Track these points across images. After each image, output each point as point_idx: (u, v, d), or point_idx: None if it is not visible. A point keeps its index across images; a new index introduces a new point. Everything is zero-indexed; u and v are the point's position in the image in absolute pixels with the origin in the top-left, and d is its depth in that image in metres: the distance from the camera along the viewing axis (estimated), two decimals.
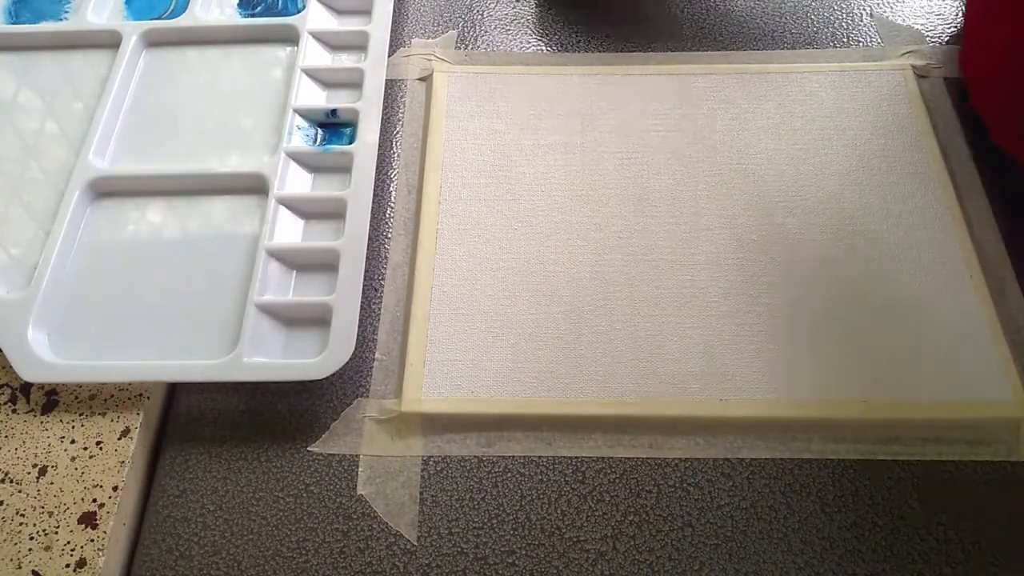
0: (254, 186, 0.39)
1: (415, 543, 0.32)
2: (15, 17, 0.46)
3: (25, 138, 0.42)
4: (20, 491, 0.32)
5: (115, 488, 0.32)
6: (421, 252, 0.38)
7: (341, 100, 0.43)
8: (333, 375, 0.34)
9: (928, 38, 0.45)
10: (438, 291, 0.37)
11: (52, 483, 0.32)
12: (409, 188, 0.41)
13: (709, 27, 0.46)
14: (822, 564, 0.31)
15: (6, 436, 0.34)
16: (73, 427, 0.34)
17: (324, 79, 0.44)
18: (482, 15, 0.47)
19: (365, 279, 0.36)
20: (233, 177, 0.39)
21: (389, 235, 0.39)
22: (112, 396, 0.35)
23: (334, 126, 0.42)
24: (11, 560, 0.31)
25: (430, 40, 0.46)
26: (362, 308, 0.36)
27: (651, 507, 0.32)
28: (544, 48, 0.46)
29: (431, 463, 0.33)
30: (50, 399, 0.35)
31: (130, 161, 0.41)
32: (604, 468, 0.33)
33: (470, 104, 0.43)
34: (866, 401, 0.33)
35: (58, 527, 0.31)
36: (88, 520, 0.32)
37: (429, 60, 0.45)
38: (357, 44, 0.45)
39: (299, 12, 0.45)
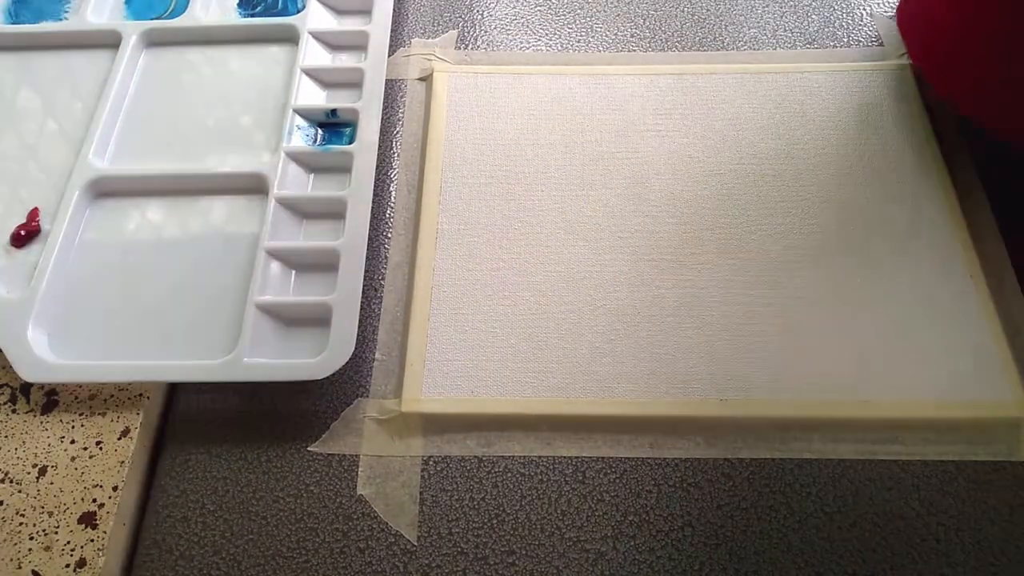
0: (254, 186, 0.39)
1: (415, 543, 0.32)
2: (15, 17, 0.46)
3: (25, 138, 0.42)
4: (20, 491, 0.32)
5: (115, 488, 0.32)
6: (421, 252, 0.38)
7: (341, 100, 0.43)
8: (333, 375, 0.34)
9: None
10: (438, 291, 0.37)
11: (52, 483, 0.32)
12: (409, 188, 0.41)
13: (709, 27, 0.46)
14: (822, 564, 0.31)
15: (6, 436, 0.34)
16: (73, 427, 0.34)
17: (324, 79, 0.44)
18: (482, 15, 0.47)
19: (365, 279, 0.36)
20: (233, 177, 0.39)
21: (389, 235, 0.39)
22: (112, 396, 0.35)
23: (334, 126, 0.42)
24: (11, 560, 0.31)
25: (430, 40, 0.46)
26: (362, 308, 0.36)
27: (651, 507, 0.32)
28: (544, 48, 0.46)
29: (431, 463, 0.33)
30: (50, 399, 0.35)
31: (130, 161, 0.41)
32: (604, 468, 0.33)
33: (470, 104, 0.43)
34: (866, 401, 0.33)
35: (58, 527, 0.31)
36: (88, 520, 0.32)
37: (429, 60, 0.45)
38: (357, 44, 0.45)
39: (299, 12, 0.45)
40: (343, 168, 0.40)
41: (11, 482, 0.32)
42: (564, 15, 0.47)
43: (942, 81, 0.40)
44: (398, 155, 0.42)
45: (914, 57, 0.42)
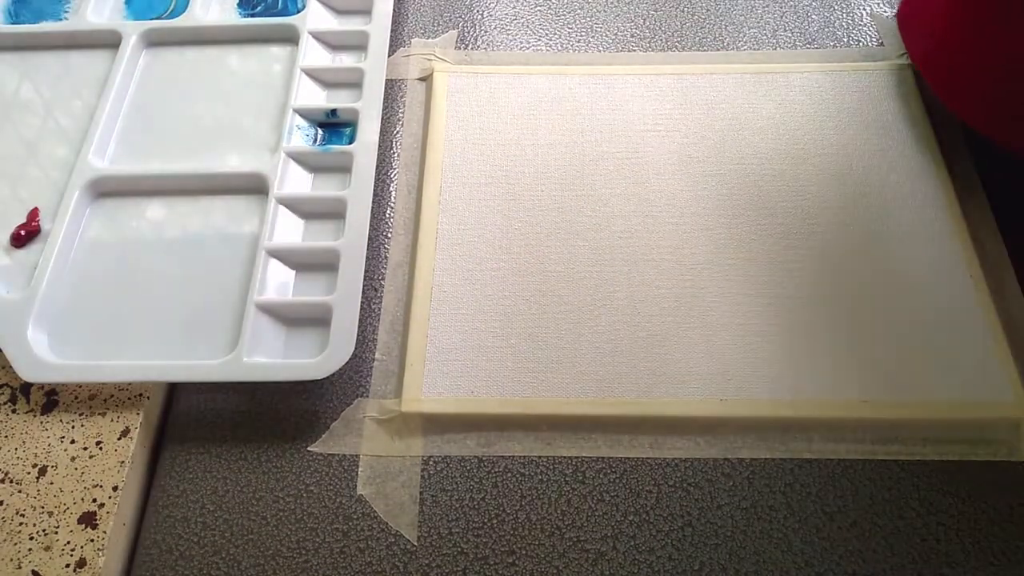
0: (254, 186, 0.39)
1: (415, 543, 0.32)
2: (15, 17, 0.46)
3: (25, 138, 0.42)
4: (20, 491, 0.32)
5: (115, 488, 0.32)
6: (421, 252, 0.38)
7: (341, 100, 0.43)
8: (333, 375, 0.34)
9: None
10: (438, 291, 0.37)
11: (52, 483, 0.32)
12: (409, 188, 0.41)
13: (709, 27, 0.46)
14: (822, 564, 0.31)
15: (6, 436, 0.34)
16: (73, 427, 0.34)
17: (324, 79, 0.44)
18: (482, 15, 0.47)
19: (365, 279, 0.36)
20: (233, 177, 0.40)
21: (389, 235, 0.39)
22: (112, 396, 0.35)
23: (334, 126, 0.42)
24: (11, 560, 0.31)
25: (430, 40, 0.46)
26: (362, 308, 0.36)
27: (651, 507, 0.32)
28: (544, 48, 0.46)
29: (431, 463, 0.33)
30: (50, 399, 0.35)
31: (130, 161, 0.41)
32: (604, 468, 0.33)
33: (470, 104, 0.43)
34: (866, 401, 0.33)
35: (58, 527, 0.31)
36: (88, 520, 0.32)
37: (429, 60, 0.45)
38: (357, 44, 0.45)
39: (299, 12, 0.45)
40: (343, 168, 0.40)
41: (11, 482, 0.32)
42: (564, 15, 0.47)
43: (944, 92, 0.40)
44: (398, 155, 0.42)
45: (916, 64, 0.42)
